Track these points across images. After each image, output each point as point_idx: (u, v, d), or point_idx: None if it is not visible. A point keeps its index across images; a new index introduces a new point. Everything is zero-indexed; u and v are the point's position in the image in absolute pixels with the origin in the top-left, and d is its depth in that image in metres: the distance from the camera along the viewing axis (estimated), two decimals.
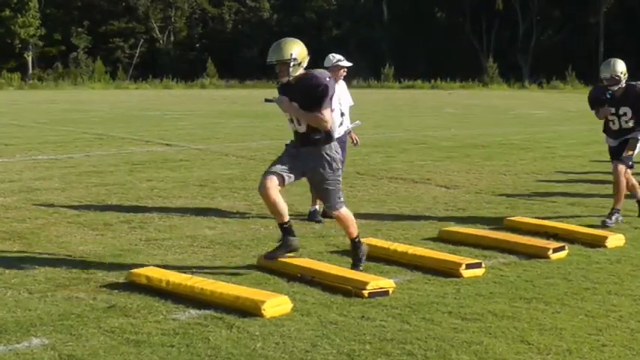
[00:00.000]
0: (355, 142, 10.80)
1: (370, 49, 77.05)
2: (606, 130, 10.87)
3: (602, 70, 10.35)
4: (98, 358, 5.40)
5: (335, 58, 10.48)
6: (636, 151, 10.55)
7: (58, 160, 16.24)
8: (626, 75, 10.33)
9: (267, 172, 7.55)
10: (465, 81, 68.99)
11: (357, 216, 10.61)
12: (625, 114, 10.47)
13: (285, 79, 7.66)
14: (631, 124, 10.45)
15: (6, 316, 6.18)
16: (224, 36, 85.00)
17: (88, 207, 11.05)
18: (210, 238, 9.15)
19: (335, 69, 10.40)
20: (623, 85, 10.36)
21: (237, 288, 6.75)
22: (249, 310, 6.28)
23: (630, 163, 10.55)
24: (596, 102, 10.75)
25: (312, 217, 10.39)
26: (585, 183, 13.93)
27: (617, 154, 10.56)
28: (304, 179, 8.02)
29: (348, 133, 10.67)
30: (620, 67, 10.29)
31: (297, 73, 7.60)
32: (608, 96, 10.41)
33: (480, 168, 15.80)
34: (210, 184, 13.17)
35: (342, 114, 10.48)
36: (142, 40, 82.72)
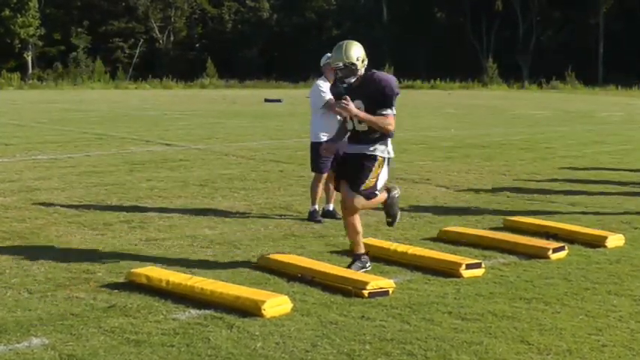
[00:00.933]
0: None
1: (370, 49, 76.59)
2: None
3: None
4: (98, 357, 5.40)
5: (326, 56, 10.46)
6: (379, 181, 7.74)
7: (57, 159, 16.25)
8: (365, 61, 7.93)
9: None
10: (464, 81, 69.02)
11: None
12: (359, 109, 7.75)
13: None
14: (365, 126, 7.79)
15: (6, 316, 6.18)
16: (224, 36, 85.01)
17: (87, 207, 11.05)
18: (210, 238, 9.15)
19: (327, 67, 10.39)
20: (362, 73, 7.89)
21: (237, 288, 6.75)
22: (249, 310, 6.28)
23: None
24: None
25: (311, 217, 10.40)
26: (585, 183, 13.92)
27: (345, 174, 7.88)
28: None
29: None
30: (356, 52, 7.87)
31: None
32: (344, 91, 7.89)
33: (479, 168, 15.80)
34: (210, 184, 13.18)
35: None
36: (142, 40, 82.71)
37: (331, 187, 10.67)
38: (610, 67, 72.09)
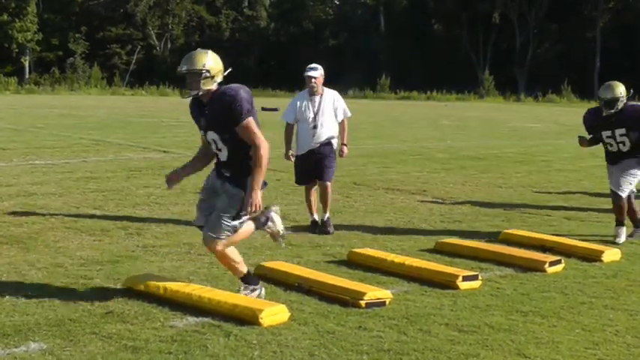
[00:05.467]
0: (341, 153, 10.71)
1: (367, 60, 77.20)
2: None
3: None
4: None
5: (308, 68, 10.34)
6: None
7: (55, 165, 16.23)
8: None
9: None
10: (460, 93, 69.14)
11: (354, 227, 10.67)
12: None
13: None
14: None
15: (4, 320, 6.18)
16: (221, 44, 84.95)
17: (85, 212, 11.05)
18: None
19: (305, 80, 10.34)
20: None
21: (234, 296, 6.75)
22: (246, 319, 6.29)
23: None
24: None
25: (313, 227, 10.32)
26: (581, 197, 13.96)
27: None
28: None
29: (326, 144, 10.46)
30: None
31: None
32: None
33: (475, 180, 15.83)
34: None
35: (315, 127, 10.32)
36: (139, 47, 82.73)
37: (311, 199, 10.56)
38: (606, 81, 72.15)
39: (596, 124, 10.41)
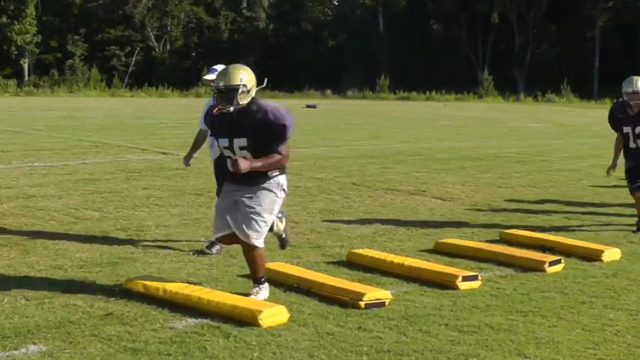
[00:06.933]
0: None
1: (366, 60, 77.20)
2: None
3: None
4: None
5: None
6: None
7: (54, 167, 16.22)
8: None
9: None
10: (459, 93, 69.13)
11: (354, 227, 10.67)
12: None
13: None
14: None
15: (3, 323, 6.18)
16: (220, 45, 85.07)
17: (84, 214, 11.04)
18: None
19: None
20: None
21: (234, 297, 6.75)
22: (246, 320, 6.28)
23: None
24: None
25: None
26: (581, 197, 13.94)
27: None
28: None
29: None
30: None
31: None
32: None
33: (475, 180, 15.82)
34: (206, 193, 13.16)
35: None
36: (138, 49, 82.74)
37: None
38: (605, 81, 72.18)
39: None
